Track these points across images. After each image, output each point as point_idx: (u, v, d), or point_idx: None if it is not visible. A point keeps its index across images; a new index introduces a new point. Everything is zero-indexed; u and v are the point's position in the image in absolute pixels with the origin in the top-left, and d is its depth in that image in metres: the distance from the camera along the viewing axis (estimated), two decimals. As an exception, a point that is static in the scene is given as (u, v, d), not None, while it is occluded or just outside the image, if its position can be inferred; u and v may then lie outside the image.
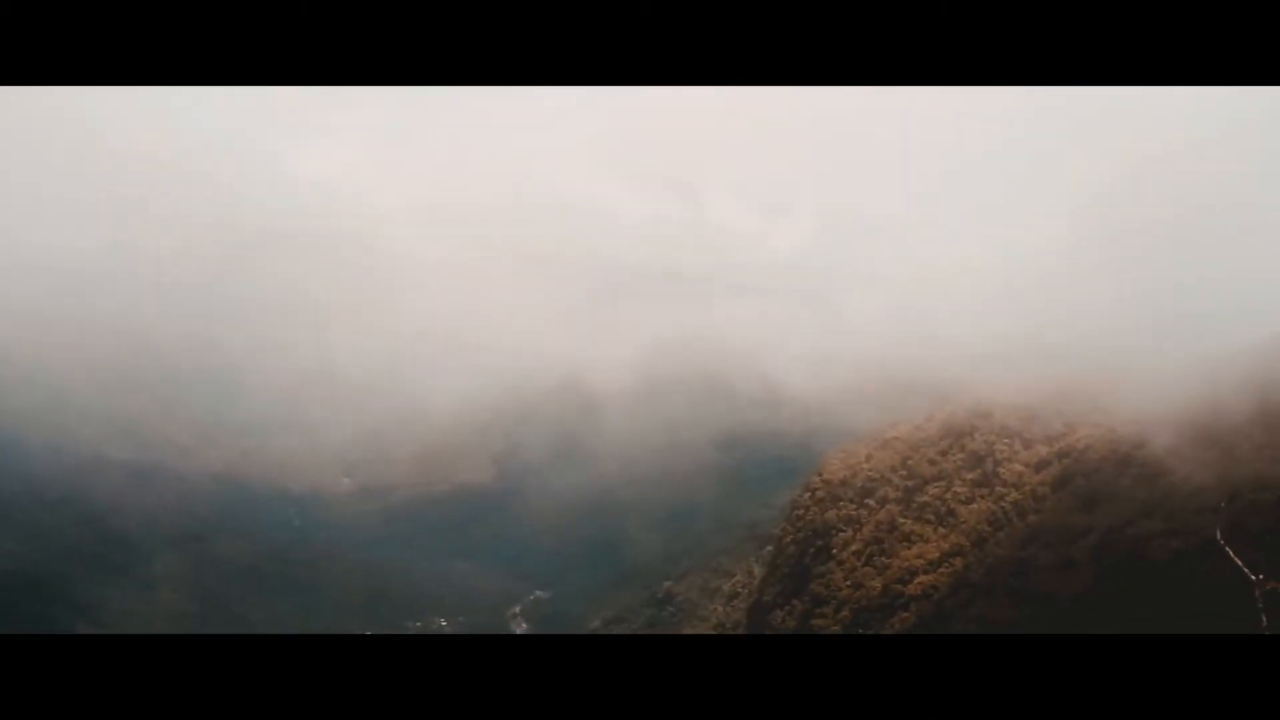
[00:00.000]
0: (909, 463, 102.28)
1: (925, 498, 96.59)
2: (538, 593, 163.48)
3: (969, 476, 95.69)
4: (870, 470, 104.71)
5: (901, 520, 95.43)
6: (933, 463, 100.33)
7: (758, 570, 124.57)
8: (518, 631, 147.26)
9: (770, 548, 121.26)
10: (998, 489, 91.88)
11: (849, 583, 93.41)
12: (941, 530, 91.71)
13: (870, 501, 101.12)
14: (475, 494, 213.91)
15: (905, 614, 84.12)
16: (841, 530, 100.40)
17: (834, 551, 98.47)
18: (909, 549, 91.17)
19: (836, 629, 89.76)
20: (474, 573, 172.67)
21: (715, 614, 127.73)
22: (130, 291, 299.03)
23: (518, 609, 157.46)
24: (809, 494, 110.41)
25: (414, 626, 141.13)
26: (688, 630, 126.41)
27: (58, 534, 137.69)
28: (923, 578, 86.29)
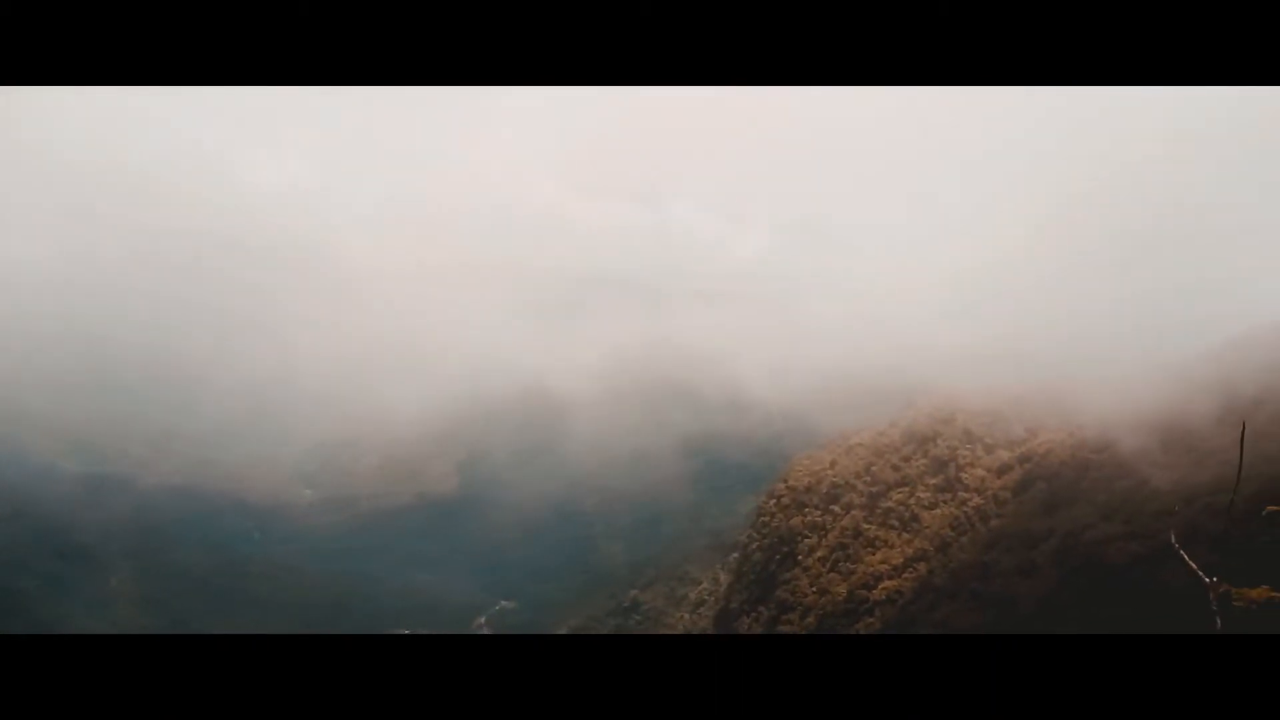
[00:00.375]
0: (873, 468, 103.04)
1: (889, 503, 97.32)
2: (503, 603, 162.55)
3: (932, 481, 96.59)
4: (835, 476, 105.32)
5: (866, 526, 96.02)
6: (896, 468, 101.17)
7: (724, 577, 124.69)
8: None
9: (736, 555, 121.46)
10: (960, 494, 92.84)
11: (814, 589, 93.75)
12: (905, 535, 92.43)
13: (835, 507, 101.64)
14: (438, 504, 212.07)
15: (870, 619, 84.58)
16: (807, 536, 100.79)
17: (799, 558, 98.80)
18: (874, 554, 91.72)
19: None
20: (438, 584, 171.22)
21: (681, 622, 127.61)
22: (83, 300, 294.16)
23: (483, 619, 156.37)
24: (774, 500, 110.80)
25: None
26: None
27: (12, 548, 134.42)
28: (887, 583, 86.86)
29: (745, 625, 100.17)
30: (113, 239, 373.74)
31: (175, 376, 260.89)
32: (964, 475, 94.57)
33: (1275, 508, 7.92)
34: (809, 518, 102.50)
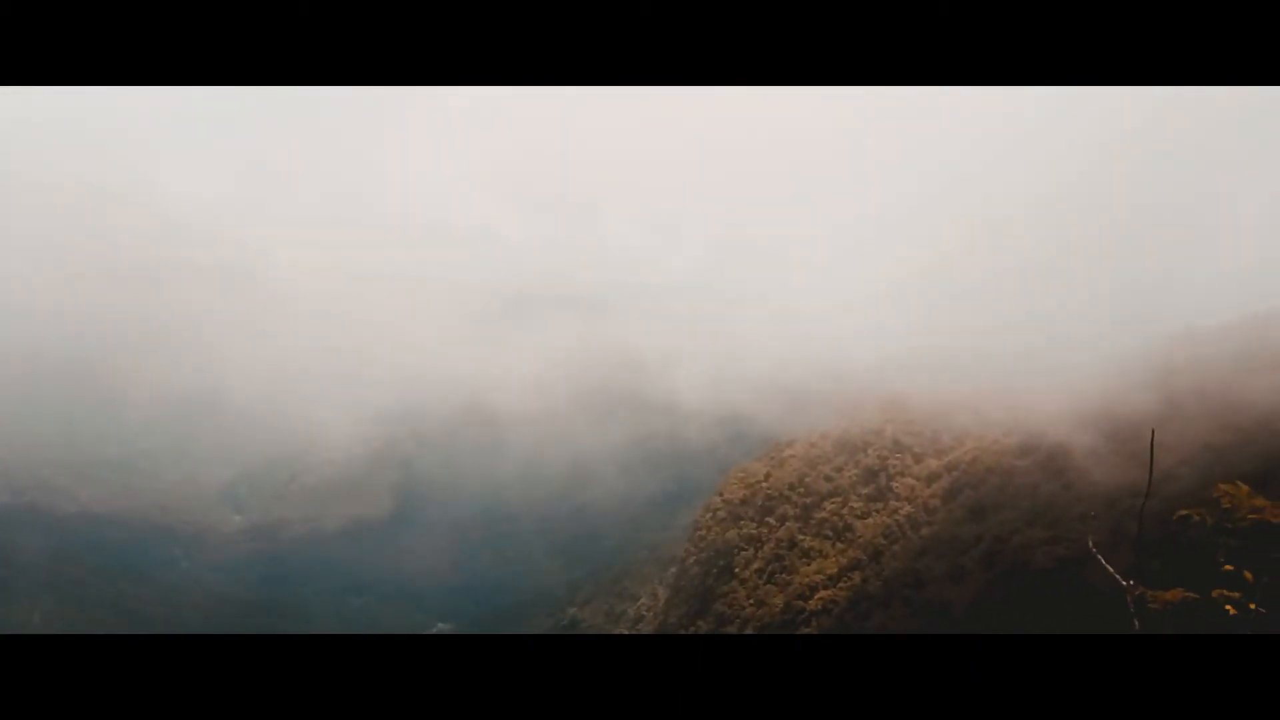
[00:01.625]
0: (806, 479, 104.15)
1: (823, 514, 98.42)
2: (440, 625, 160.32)
3: (864, 491, 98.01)
4: (769, 488, 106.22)
5: (801, 537, 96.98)
6: (829, 479, 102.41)
7: (662, 592, 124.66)
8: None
9: (674, 569, 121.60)
10: (891, 503, 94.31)
11: (751, 601, 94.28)
12: (839, 545, 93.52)
13: (770, 519, 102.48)
14: (372, 527, 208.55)
15: (807, 629, 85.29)
16: (743, 549, 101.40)
17: (736, 570, 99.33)
18: (809, 565, 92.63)
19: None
20: (373, 608, 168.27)
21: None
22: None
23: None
24: (710, 514, 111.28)
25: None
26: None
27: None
28: (823, 593, 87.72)
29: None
30: (23, 254, 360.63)
31: (96, 400, 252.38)
32: (894, 484, 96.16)
33: (1186, 511, 8.17)
34: (745, 530, 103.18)
